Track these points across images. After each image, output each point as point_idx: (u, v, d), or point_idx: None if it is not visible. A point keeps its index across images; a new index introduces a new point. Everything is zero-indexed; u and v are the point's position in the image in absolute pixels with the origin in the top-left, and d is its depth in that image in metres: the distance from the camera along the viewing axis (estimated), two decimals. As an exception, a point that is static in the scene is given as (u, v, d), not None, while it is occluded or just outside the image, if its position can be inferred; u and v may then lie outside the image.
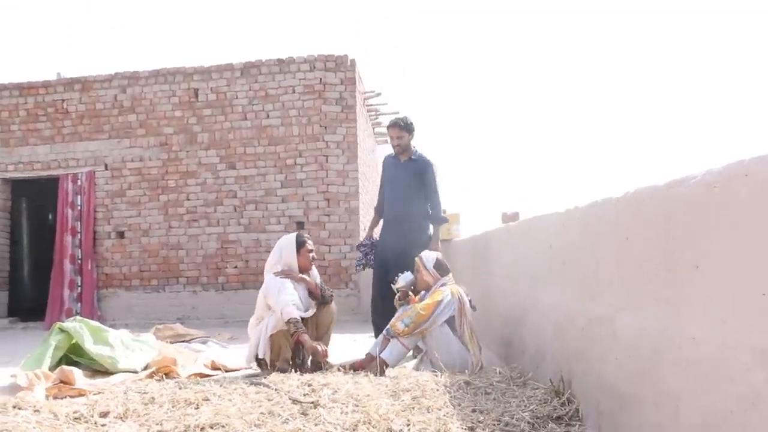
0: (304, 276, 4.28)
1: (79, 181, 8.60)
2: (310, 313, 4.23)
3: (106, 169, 8.66)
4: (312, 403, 2.90)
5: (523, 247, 3.79)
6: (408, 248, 4.72)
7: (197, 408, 2.97)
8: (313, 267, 4.45)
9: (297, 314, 4.00)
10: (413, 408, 2.79)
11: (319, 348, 3.94)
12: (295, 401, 3.00)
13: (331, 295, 4.43)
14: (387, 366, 3.81)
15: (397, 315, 3.99)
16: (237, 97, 8.49)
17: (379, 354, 3.82)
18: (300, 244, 4.32)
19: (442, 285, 4.00)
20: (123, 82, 8.70)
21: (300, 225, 8.25)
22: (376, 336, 5.18)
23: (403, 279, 4.23)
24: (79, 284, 8.42)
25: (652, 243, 1.89)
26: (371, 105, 10.49)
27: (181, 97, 8.58)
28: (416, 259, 4.21)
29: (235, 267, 8.37)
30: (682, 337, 1.68)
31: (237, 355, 5.03)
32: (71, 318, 4.65)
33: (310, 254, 4.34)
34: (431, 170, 5.01)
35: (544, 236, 3.27)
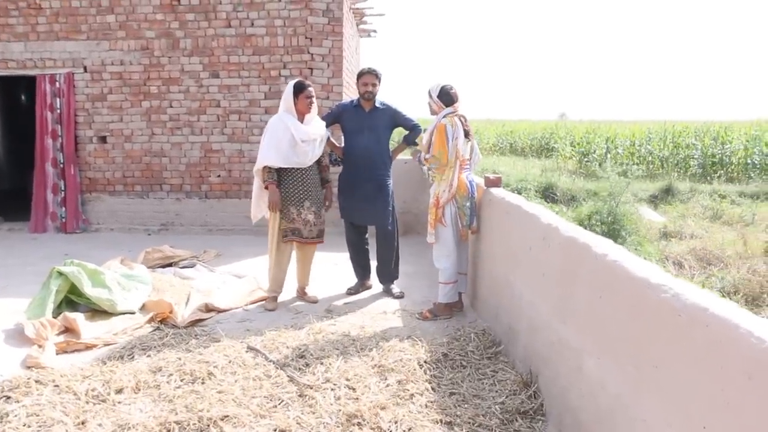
0: None
1: (57, 83, 8.41)
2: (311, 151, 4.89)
3: (86, 71, 8.45)
4: (308, 385, 3.25)
5: (505, 227, 3.99)
6: (378, 192, 5.16)
7: (203, 383, 3.30)
8: (314, 112, 4.96)
9: (272, 163, 4.75)
10: (399, 396, 3.15)
11: (271, 206, 4.77)
12: (291, 380, 3.34)
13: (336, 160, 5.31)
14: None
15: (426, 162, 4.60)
16: (221, 3, 8.19)
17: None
18: (298, 90, 4.85)
19: (444, 117, 4.46)
20: (100, -21, 8.29)
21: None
22: (356, 273, 5.49)
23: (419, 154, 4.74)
24: (63, 188, 8.48)
25: (623, 319, 2.15)
26: (357, 9, 10.20)
27: (162, -1, 8.25)
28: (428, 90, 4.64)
29: (218, 176, 8.48)
30: (634, 415, 1.99)
31: (226, 292, 5.26)
32: (67, 260, 4.83)
33: (308, 100, 4.85)
34: (399, 108, 5.23)
35: (526, 234, 3.49)
